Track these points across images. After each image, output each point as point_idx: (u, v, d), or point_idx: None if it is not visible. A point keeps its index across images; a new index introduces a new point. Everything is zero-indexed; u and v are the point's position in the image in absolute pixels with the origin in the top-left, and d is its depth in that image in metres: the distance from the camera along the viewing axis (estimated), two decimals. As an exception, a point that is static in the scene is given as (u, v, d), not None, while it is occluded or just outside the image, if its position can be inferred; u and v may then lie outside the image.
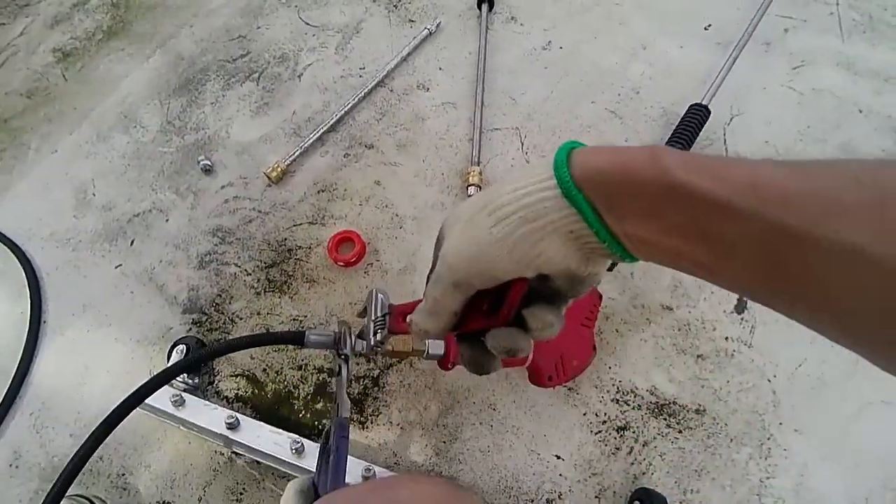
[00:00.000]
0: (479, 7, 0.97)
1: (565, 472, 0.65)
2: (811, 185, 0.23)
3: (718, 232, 0.25)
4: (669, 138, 0.76)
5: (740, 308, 0.71)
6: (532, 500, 0.64)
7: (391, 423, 0.70)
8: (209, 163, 0.88)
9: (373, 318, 0.48)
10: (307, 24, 1.02)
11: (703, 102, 0.79)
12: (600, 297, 0.67)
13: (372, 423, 0.70)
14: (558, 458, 0.66)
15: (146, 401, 0.50)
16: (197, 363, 0.50)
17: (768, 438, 0.64)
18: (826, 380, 0.66)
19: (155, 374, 0.49)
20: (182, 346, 0.74)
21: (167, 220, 0.86)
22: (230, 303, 0.79)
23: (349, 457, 0.48)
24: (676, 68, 0.89)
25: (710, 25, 0.93)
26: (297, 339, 0.50)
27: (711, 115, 0.80)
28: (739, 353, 0.69)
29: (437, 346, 0.60)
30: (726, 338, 0.69)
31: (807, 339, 0.68)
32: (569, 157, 0.29)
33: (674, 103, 0.85)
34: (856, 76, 0.85)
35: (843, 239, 0.22)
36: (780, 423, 0.65)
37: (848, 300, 0.23)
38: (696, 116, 0.77)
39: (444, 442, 0.69)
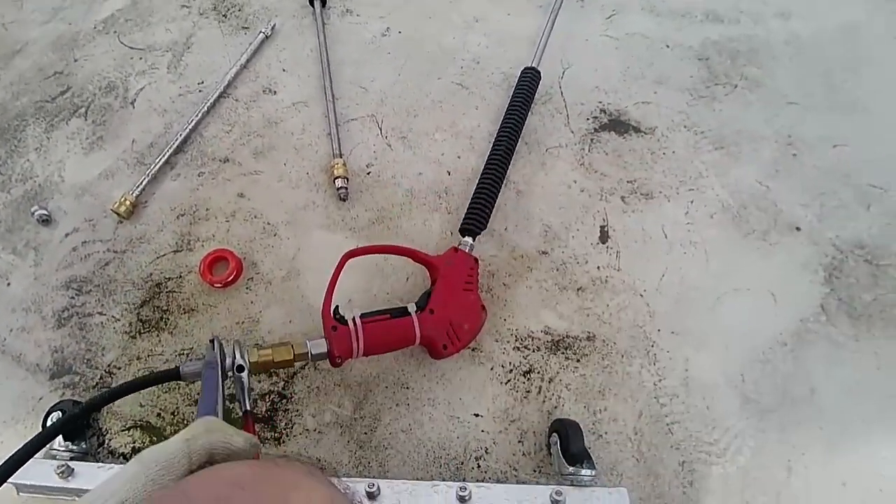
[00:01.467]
0: (312, 4, 0.97)
1: (486, 427, 0.67)
2: None
3: None
4: (509, 103, 0.81)
5: (604, 238, 0.77)
6: (462, 462, 0.66)
7: (307, 430, 0.68)
8: (45, 212, 0.79)
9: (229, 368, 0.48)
10: (131, 48, 0.95)
11: (533, 64, 0.85)
12: (476, 260, 0.70)
13: (287, 436, 0.68)
14: (477, 415, 0.68)
15: (24, 482, 0.44)
16: (66, 426, 0.45)
17: (652, 346, 0.71)
18: (685, 283, 0.74)
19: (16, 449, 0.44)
20: (57, 413, 0.66)
21: (9, 285, 0.77)
22: (102, 355, 0.72)
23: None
24: (509, 35, 0.94)
25: (529, -9, 0.99)
26: (172, 375, 0.47)
27: (546, 71, 0.86)
28: (611, 277, 0.75)
29: (318, 346, 0.60)
30: (598, 267, 0.75)
31: (663, 251, 0.76)
32: None
33: (512, 66, 0.90)
34: (659, 17, 0.96)
35: None
36: (659, 330, 0.72)
37: None
38: (527, 79, 0.83)
39: (366, 433, 0.68)
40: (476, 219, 0.71)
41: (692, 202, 0.80)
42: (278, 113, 0.88)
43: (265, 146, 0.85)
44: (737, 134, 0.85)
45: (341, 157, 0.81)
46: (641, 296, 0.74)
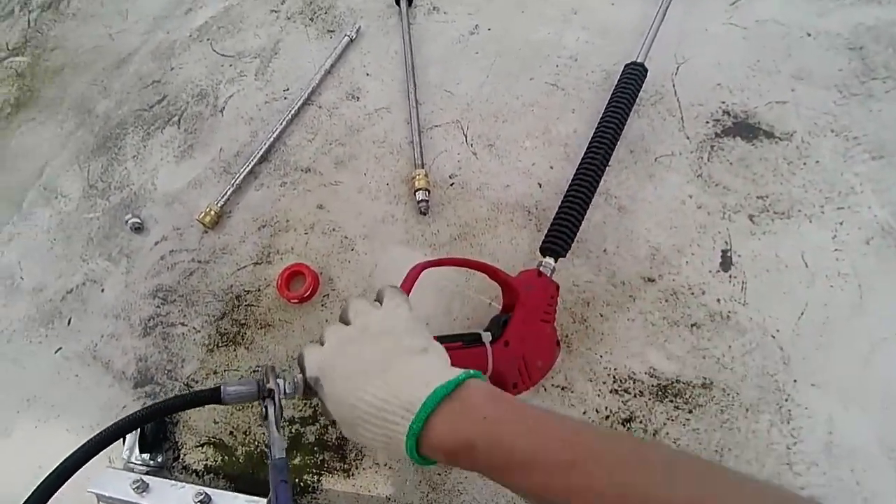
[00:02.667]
0: (398, 3, 0.92)
1: (575, 481, 0.59)
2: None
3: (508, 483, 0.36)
4: (607, 104, 0.71)
5: (726, 265, 0.65)
6: (545, 519, 0.58)
7: (377, 464, 0.63)
8: (138, 220, 0.81)
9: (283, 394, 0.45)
10: (222, 55, 0.95)
11: (639, 59, 0.74)
12: (557, 287, 0.61)
13: (356, 468, 0.63)
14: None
15: (102, 492, 0.43)
16: (98, 447, 0.43)
17: (786, 400, 0.59)
18: (832, 323, 0.61)
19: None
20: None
21: (103, 291, 0.79)
22: (182, 366, 0.72)
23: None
24: (612, 27, 0.84)
25: (638, -23, 0.88)
26: (213, 396, 0.44)
27: (656, 67, 0.75)
28: (735, 313, 0.63)
29: None
30: (718, 300, 0.64)
31: (803, 283, 0.63)
32: (420, 434, 0.38)
33: (616, 63, 0.80)
34: (797, 0, 0.81)
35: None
36: (795, 381, 0.59)
37: None
38: (629, 77, 0.72)
39: (439, 474, 0.62)
40: (560, 237, 0.62)
41: (841, 223, 0.65)
42: (360, 120, 0.84)
43: (346, 155, 0.81)
44: (902, 139, 0.69)
45: (423, 168, 0.76)
46: (773, 337, 0.61)
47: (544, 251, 0.63)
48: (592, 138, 0.69)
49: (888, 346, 0.59)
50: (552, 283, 0.61)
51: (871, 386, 0.58)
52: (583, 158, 0.68)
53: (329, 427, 0.66)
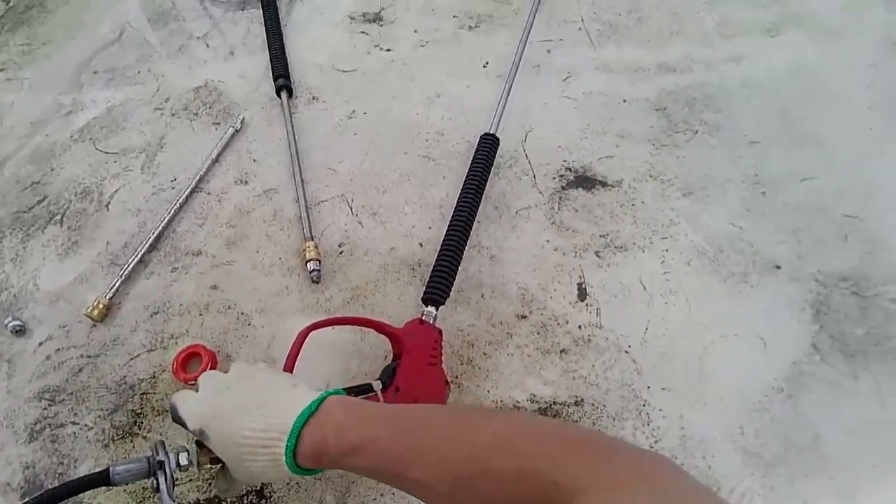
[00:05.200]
0: (279, 95, 1.00)
1: (478, 511, 0.63)
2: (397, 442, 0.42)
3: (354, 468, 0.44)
4: (468, 170, 0.82)
5: (582, 295, 0.76)
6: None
7: (288, 533, 0.64)
8: (19, 322, 0.79)
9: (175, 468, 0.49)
10: (106, 152, 0.98)
11: (491, 130, 0.87)
12: (440, 332, 0.68)
13: (266, 540, 0.64)
14: None
15: None
16: None
17: (643, 405, 0.68)
18: (670, 335, 0.72)
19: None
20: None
21: (-20, 402, 0.75)
22: (75, 467, 0.69)
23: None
24: (469, 105, 0.97)
25: (487, 63, 1.03)
26: (103, 479, 0.45)
27: (509, 136, 0.88)
28: (594, 336, 0.73)
29: None
30: (579, 326, 0.74)
31: (644, 303, 0.75)
32: (295, 448, 0.45)
33: (475, 135, 0.92)
34: (613, 74, 0.99)
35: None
36: (649, 387, 0.69)
37: None
38: (484, 145, 0.84)
39: (350, 530, 0.64)
40: (438, 287, 0.70)
41: (667, 250, 0.79)
42: (250, 202, 0.89)
43: (237, 236, 0.85)
44: (704, 178, 0.86)
45: (312, 240, 0.82)
46: (626, 352, 0.71)
47: (426, 301, 0.70)
48: (459, 199, 0.79)
49: (715, 348, 0.71)
50: (434, 329, 0.68)
51: (708, 383, 0.69)
52: (452, 217, 0.77)
53: (235, 503, 0.66)
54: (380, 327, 0.65)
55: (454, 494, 0.38)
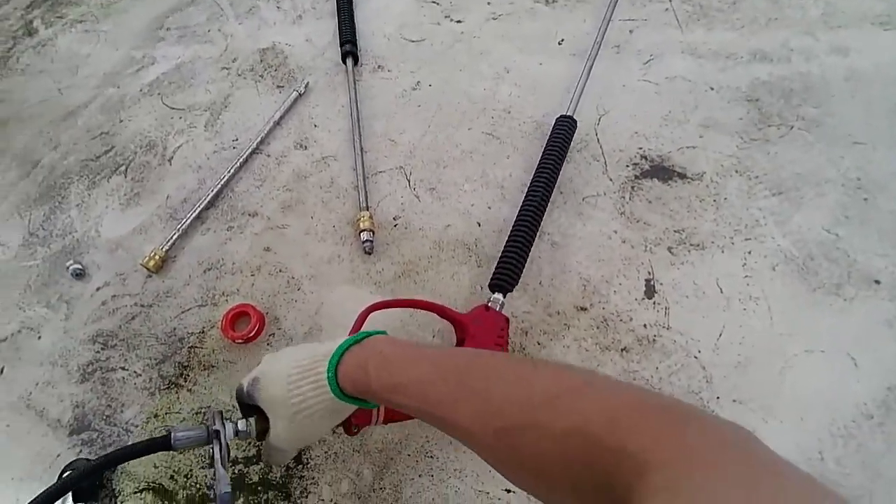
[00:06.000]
0: (345, 61, 0.98)
1: (519, 507, 0.60)
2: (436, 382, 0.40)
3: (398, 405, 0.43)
4: (543, 152, 0.77)
5: (650, 293, 0.70)
6: (491, 549, 0.58)
7: (322, 500, 0.62)
8: (80, 266, 0.80)
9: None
10: (172, 108, 0.98)
11: (568, 112, 0.81)
12: (507, 320, 0.64)
13: (300, 508, 0.62)
14: (508, 491, 0.61)
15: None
16: (52, 499, 0.42)
17: (710, 416, 0.62)
18: (747, 343, 0.66)
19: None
20: (71, 472, 0.64)
21: (39, 338, 0.77)
22: (122, 411, 0.70)
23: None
24: (540, 83, 0.92)
25: (563, 40, 0.97)
26: (164, 444, 0.44)
27: (581, 118, 0.83)
28: (660, 336, 0.67)
29: None
30: (644, 325, 0.68)
31: (719, 307, 0.68)
32: (336, 368, 0.46)
33: (545, 115, 0.87)
34: (700, 59, 0.91)
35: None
36: (718, 397, 0.63)
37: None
38: (562, 128, 0.79)
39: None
40: (507, 274, 0.66)
41: (749, 253, 0.72)
42: (308, 167, 0.87)
43: (293, 200, 0.84)
44: (797, 178, 0.78)
45: (368, 210, 0.79)
46: (696, 357, 0.66)
47: (493, 287, 0.67)
48: (532, 183, 0.75)
49: (799, 362, 0.65)
50: (501, 316, 0.64)
51: (787, 400, 0.63)
52: (524, 201, 0.73)
53: (272, 466, 0.65)
54: (443, 311, 0.62)
55: (496, 446, 0.35)
